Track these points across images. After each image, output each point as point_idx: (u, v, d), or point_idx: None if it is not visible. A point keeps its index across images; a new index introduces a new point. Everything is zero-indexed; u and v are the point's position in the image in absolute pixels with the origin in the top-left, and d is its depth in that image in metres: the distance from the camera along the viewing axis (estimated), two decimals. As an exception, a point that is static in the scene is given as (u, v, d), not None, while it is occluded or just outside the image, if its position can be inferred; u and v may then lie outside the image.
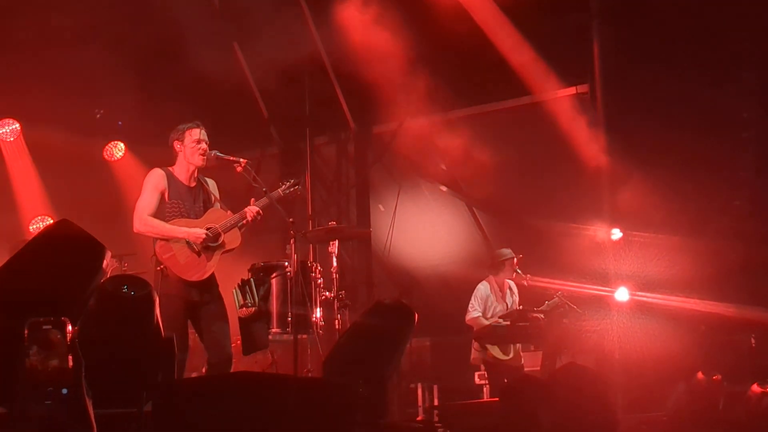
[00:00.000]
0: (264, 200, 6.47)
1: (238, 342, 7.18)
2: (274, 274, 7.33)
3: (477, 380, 9.09)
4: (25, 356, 3.04)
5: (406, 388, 9.48)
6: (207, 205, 6.39)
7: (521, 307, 8.90)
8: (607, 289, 9.04)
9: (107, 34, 9.85)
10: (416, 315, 5.27)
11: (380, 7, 9.67)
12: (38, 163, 10.46)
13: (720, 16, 9.09)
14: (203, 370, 6.59)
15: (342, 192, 11.98)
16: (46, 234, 3.67)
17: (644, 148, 8.99)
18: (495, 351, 8.74)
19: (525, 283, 8.88)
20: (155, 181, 6.22)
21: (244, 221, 6.36)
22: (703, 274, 8.76)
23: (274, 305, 7.27)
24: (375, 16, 9.67)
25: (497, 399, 5.94)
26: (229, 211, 6.39)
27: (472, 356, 8.95)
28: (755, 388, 7.17)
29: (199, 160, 6.31)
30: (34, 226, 10.10)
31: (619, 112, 9.53)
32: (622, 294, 9.01)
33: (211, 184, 6.50)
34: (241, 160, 6.51)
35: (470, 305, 8.88)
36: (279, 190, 6.73)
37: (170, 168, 6.33)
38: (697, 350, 8.40)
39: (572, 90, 10.05)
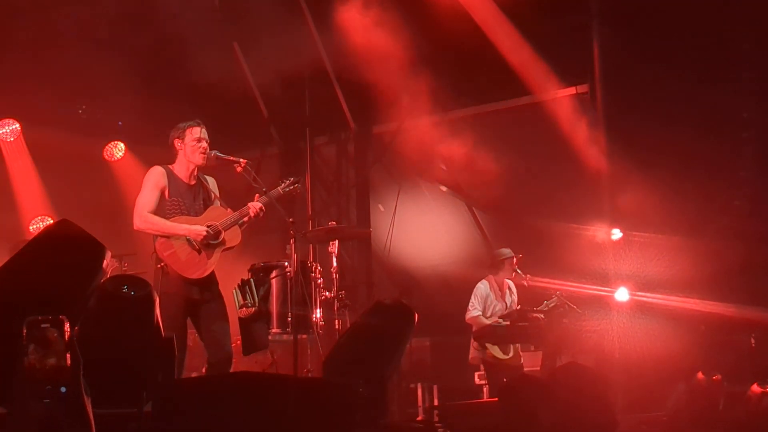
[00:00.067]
0: (264, 199, 6.47)
1: (238, 342, 7.17)
2: (274, 274, 7.32)
3: (477, 380, 9.08)
4: (24, 354, 3.04)
5: (406, 388, 9.47)
6: (207, 203, 6.38)
7: (520, 306, 8.91)
8: (607, 289, 9.05)
9: (107, 34, 9.85)
10: (416, 315, 5.26)
11: (380, 8, 9.67)
12: (38, 163, 10.44)
13: (720, 16, 9.09)
14: (203, 370, 6.58)
15: (342, 192, 11.97)
16: (46, 234, 3.66)
17: (644, 148, 8.99)
18: (494, 350, 8.75)
19: (525, 283, 8.89)
20: (155, 178, 6.20)
21: (246, 217, 6.34)
22: (703, 274, 8.77)
23: (274, 305, 7.27)
24: (375, 16, 9.67)
25: (497, 399, 5.94)
26: (229, 209, 6.37)
27: (470, 355, 8.95)
28: (755, 388, 7.16)
29: (199, 159, 6.30)
30: (34, 226, 10.09)
31: (619, 112, 9.54)
32: (622, 294, 9.03)
33: (211, 182, 6.48)
34: (241, 160, 6.50)
35: (470, 304, 8.89)
36: (279, 188, 6.72)
37: (170, 166, 6.32)
38: (697, 350, 8.40)
39: (572, 90, 10.06)
